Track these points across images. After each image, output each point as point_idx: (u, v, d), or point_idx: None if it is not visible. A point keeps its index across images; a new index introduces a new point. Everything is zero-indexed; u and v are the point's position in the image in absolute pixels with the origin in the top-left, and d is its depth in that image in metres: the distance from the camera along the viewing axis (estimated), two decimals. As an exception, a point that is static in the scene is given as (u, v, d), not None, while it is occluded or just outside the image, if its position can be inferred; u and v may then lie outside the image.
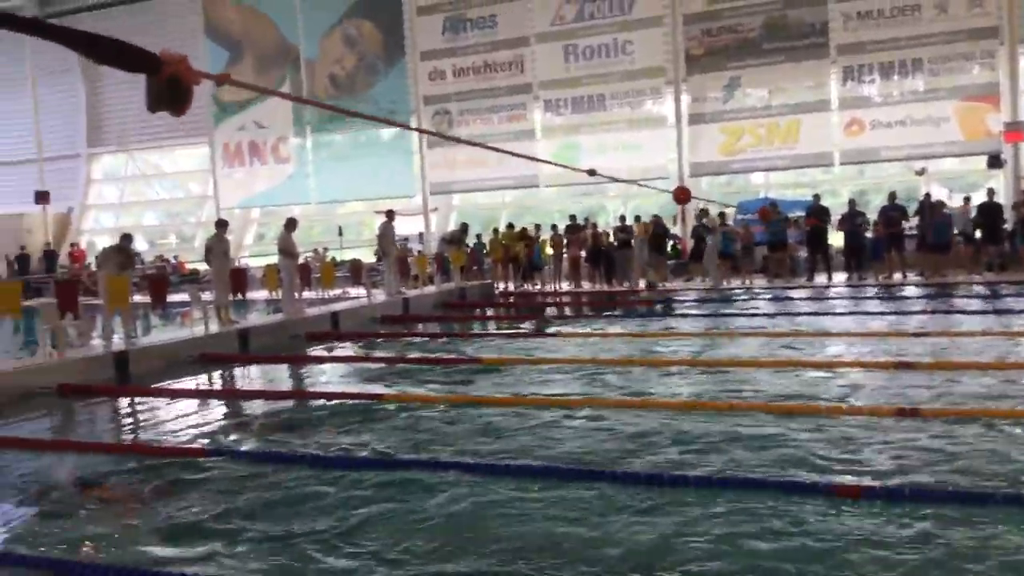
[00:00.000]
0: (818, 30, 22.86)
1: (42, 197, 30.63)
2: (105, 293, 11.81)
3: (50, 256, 29.24)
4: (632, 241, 20.01)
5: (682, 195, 10.51)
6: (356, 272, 19.34)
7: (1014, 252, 18.68)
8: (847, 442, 6.13)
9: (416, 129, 23.12)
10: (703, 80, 24.22)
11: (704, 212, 20.88)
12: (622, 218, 21.35)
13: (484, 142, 26.31)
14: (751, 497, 5.05)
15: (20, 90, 32.63)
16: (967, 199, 19.60)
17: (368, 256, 22.89)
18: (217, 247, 14.42)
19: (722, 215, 20.96)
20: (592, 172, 9.71)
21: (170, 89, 3.97)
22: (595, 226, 21.53)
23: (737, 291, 18.33)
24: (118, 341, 11.76)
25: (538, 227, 22.32)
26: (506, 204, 27.99)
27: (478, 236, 23.45)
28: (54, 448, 7.33)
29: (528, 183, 26.46)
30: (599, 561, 4.27)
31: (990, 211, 18.15)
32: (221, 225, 15.13)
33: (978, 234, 18.46)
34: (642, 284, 19.84)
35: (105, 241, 27.56)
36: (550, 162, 10.80)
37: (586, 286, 21.07)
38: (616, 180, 11.88)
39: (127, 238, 13.74)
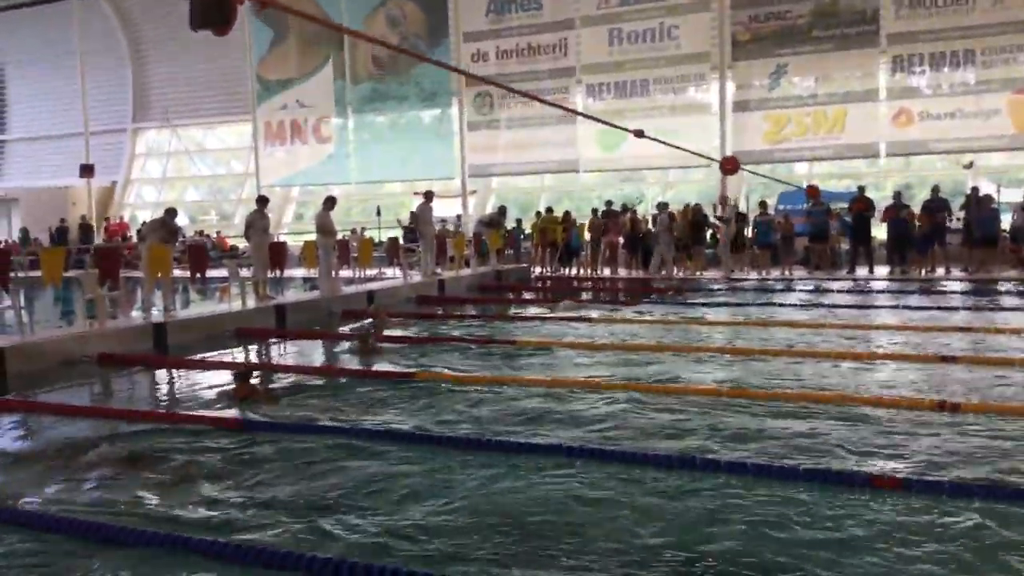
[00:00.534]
0: (869, 18, 22.41)
1: (87, 171, 31.02)
2: (147, 261, 11.93)
3: (86, 229, 29.49)
4: (659, 229, 19.91)
5: (729, 164, 10.35)
6: (393, 251, 19.37)
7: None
8: (886, 434, 6.03)
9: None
10: (749, 67, 23.87)
11: (724, 200, 20.67)
12: (661, 205, 21.28)
13: (526, 123, 26.42)
14: (788, 485, 4.98)
15: (68, 65, 33.05)
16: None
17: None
18: (258, 223, 14.53)
19: (763, 204, 20.71)
20: (640, 133, 9.60)
21: (214, 4, 3.88)
22: (634, 211, 21.38)
23: (751, 280, 18.19)
24: (157, 314, 11.90)
25: (567, 213, 22.23)
26: (545, 188, 27.86)
27: (518, 220, 23.36)
28: (92, 414, 7.43)
29: (568, 168, 26.32)
30: (632, 543, 4.23)
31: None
32: (262, 201, 15.25)
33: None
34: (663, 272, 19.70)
35: (147, 215, 27.91)
36: (595, 118, 10.55)
37: (622, 272, 20.98)
38: (665, 143, 11.70)
39: (171, 212, 13.86)
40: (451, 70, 25.54)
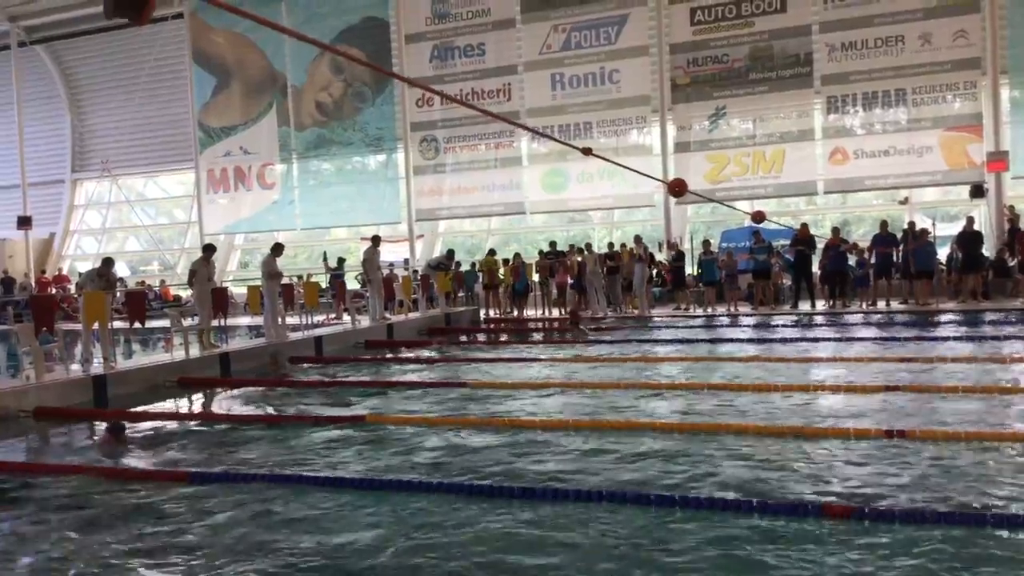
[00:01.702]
0: (802, 60, 23.04)
1: (24, 223, 30.41)
2: (83, 309, 11.63)
3: (6, 284, 28.23)
4: (588, 269, 20.22)
5: (677, 187, 10.39)
6: (340, 296, 19.28)
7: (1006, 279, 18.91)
8: (837, 464, 6.07)
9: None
10: (688, 109, 24.34)
11: (638, 239, 20.93)
12: (610, 245, 21.57)
13: (471, 167, 26.58)
14: (740, 517, 4.97)
15: (5, 116, 32.49)
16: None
17: (353, 283, 22.79)
18: (202, 271, 14.28)
19: (706, 242, 21.07)
20: (588, 151, 9.64)
21: None
22: (580, 252, 21.54)
23: (698, 317, 18.42)
24: (96, 365, 11.60)
25: (516, 255, 22.37)
26: (492, 231, 27.95)
27: (472, 264, 23.34)
28: (27, 471, 7.17)
29: (515, 210, 26.46)
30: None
31: (971, 239, 18.28)
32: (208, 249, 14.99)
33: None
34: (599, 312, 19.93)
35: (87, 267, 27.34)
36: (545, 135, 10.56)
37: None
38: (610, 161, 11.79)
39: (108, 262, 13.61)
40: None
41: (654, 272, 21.31)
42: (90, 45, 31.64)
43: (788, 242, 19.75)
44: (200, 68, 29.79)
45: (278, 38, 28.12)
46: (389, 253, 23.42)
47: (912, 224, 19.28)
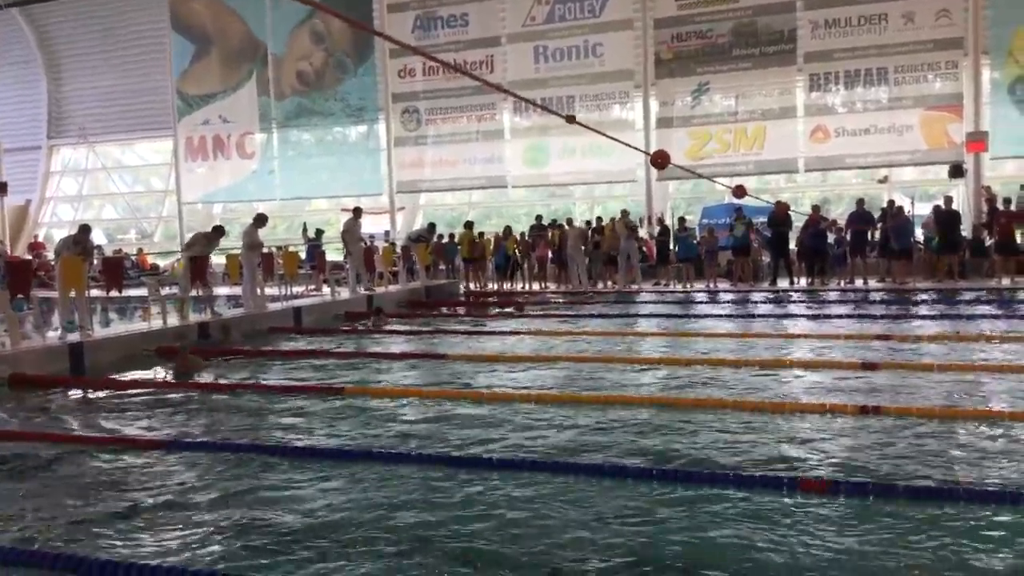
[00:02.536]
0: (786, 37, 23.03)
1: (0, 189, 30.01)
2: (60, 275, 11.51)
3: None
4: (570, 244, 20.29)
5: (659, 158, 10.35)
6: (320, 267, 19.22)
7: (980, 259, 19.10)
8: (812, 439, 6.13)
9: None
10: (672, 84, 24.28)
11: (625, 213, 21.01)
12: (598, 219, 21.63)
13: (453, 139, 26.45)
14: (717, 492, 5.01)
15: (-21, 80, 31.99)
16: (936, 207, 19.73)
17: (334, 254, 22.69)
18: (254, 238, 14.19)
19: (682, 219, 21.18)
20: (572, 119, 9.55)
21: None
22: (561, 227, 21.53)
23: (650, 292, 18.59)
24: (73, 334, 11.50)
25: (507, 228, 22.39)
26: (473, 204, 27.87)
27: (451, 236, 23.25)
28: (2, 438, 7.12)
29: (496, 184, 26.39)
30: (558, 554, 4.20)
31: (949, 219, 18.41)
32: (218, 231, 14.85)
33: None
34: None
35: (63, 234, 27.01)
36: (529, 100, 10.42)
37: (552, 287, 21.13)
38: (593, 130, 11.70)
39: (84, 228, 13.42)
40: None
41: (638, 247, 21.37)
42: (67, 9, 31.06)
43: (766, 219, 19.83)
44: (178, 34, 29.38)
45: (258, 5, 27.77)
46: (370, 225, 23.29)
47: (891, 203, 19.39)
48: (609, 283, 20.80)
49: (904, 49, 21.95)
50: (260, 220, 15.46)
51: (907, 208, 18.97)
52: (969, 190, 21.41)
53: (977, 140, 21.33)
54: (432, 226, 22.57)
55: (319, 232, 23.86)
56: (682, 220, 21.10)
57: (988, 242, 19.25)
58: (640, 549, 4.19)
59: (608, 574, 3.94)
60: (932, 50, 21.78)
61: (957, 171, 21.20)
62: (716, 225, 21.17)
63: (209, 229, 15.02)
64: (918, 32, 21.79)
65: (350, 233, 17.84)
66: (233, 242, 18.20)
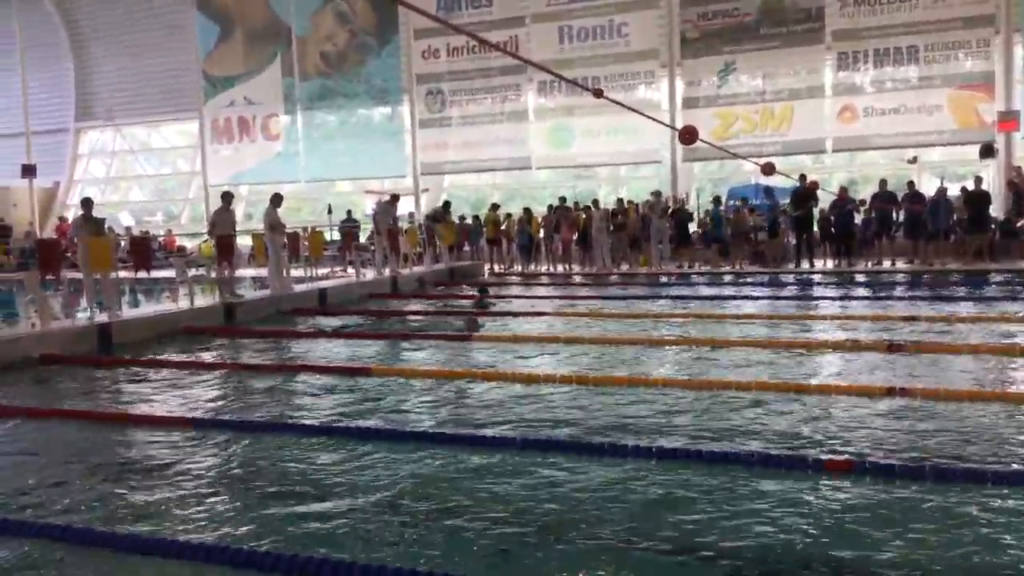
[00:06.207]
0: (814, 15, 22.75)
1: (28, 171, 30.31)
2: (85, 256, 11.58)
3: (3, 230, 28.14)
4: (596, 226, 20.19)
5: (687, 134, 10.29)
6: (346, 248, 19.29)
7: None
8: (839, 420, 6.09)
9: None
10: (697, 64, 24.08)
11: (657, 195, 20.89)
12: (619, 201, 21.48)
13: (477, 120, 26.38)
14: (745, 470, 5.00)
15: (8, 64, 32.24)
16: (964, 188, 19.40)
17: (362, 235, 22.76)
18: (222, 220, 14.21)
19: (717, 199, 20.94)
20: (599, 93, 9.53)
21: None
22: (587, 208, 21.44)
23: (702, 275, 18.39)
24: (102, 314, 11.62)
25: (527, 210, 22.32)
26: (497, 186, 27.83)
27: (475, 217, 23.20)
28: (35, 415, 7.21)
29: (520, 165, 26.33)
30: (578, 532, 4.20)
31: (978, 199, 18.09)
32: (226, 197, 14.86)
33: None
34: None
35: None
36: (556, 73, 10.26)
37: (576, 268, 21.08)
38: (620, 104, 11.65)
39: (86, 202, 12.98)
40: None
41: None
42: (94, -8, 31.30)
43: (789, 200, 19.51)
44: (203, 16, 29.48)
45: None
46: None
47: (911, 183, 19.02)
48: (631, 264, 20.67)
49: (934, 27, 21.63)
50: (276, 200, 15.36)
51: (947, 187, 18.62)
52: (1000, 170, 21.09)
53: (1009, 120, 20.99)
54: (447, 204, 22.55)
55: (348, 213, 23.86)
56: (717, 200, 20.85)
57: (1019, 223, 18.97)
58: (681, 537, 4.19)
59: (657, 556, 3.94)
60: (963, 28, 21.44)
61: (988, 151, 20.89)
62: (743, 207, 20.90)
63: (222, 203, 14.91)
64: (949, 9, 21.46)
65: (382, 215, 17.94)
66: (257, 224, 18.30)
